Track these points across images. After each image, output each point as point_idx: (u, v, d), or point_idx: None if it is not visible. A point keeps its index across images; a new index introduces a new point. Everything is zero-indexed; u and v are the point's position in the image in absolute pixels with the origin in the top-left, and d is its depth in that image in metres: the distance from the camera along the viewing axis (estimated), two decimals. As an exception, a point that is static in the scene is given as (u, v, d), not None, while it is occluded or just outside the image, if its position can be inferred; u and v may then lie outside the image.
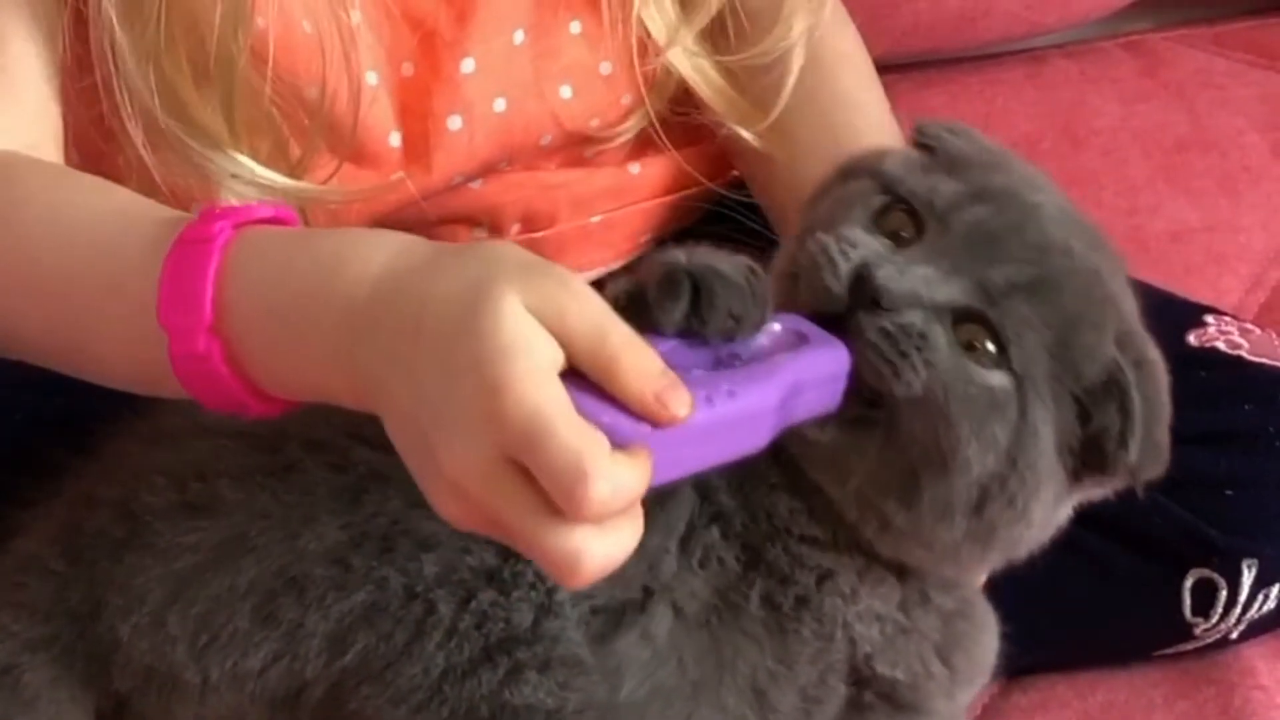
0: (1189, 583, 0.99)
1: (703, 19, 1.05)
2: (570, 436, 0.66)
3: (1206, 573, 0.99)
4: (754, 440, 0.74)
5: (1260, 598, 1.00)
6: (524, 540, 0.69)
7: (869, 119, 1.09)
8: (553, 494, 0.67)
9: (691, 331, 0.74)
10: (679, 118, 1.10)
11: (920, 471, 0.79)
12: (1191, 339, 1.06)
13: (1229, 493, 0.98)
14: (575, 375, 0.69)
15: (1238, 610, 1.00)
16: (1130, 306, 0.83)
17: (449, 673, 0.82)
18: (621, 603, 0.84)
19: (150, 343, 0.79)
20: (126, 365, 0.84)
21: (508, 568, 0.83)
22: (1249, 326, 1.09)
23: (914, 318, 0.78)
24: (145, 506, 0.86)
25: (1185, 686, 1.05)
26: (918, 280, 0.79)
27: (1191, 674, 1.06)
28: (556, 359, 0.68)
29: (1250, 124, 1.51)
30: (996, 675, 1.04)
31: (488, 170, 1.07)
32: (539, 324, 0.68)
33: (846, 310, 0.78)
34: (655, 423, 0.69)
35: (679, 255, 0.76)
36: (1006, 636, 0.88)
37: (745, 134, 1.06)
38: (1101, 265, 0.82)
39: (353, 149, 1.02)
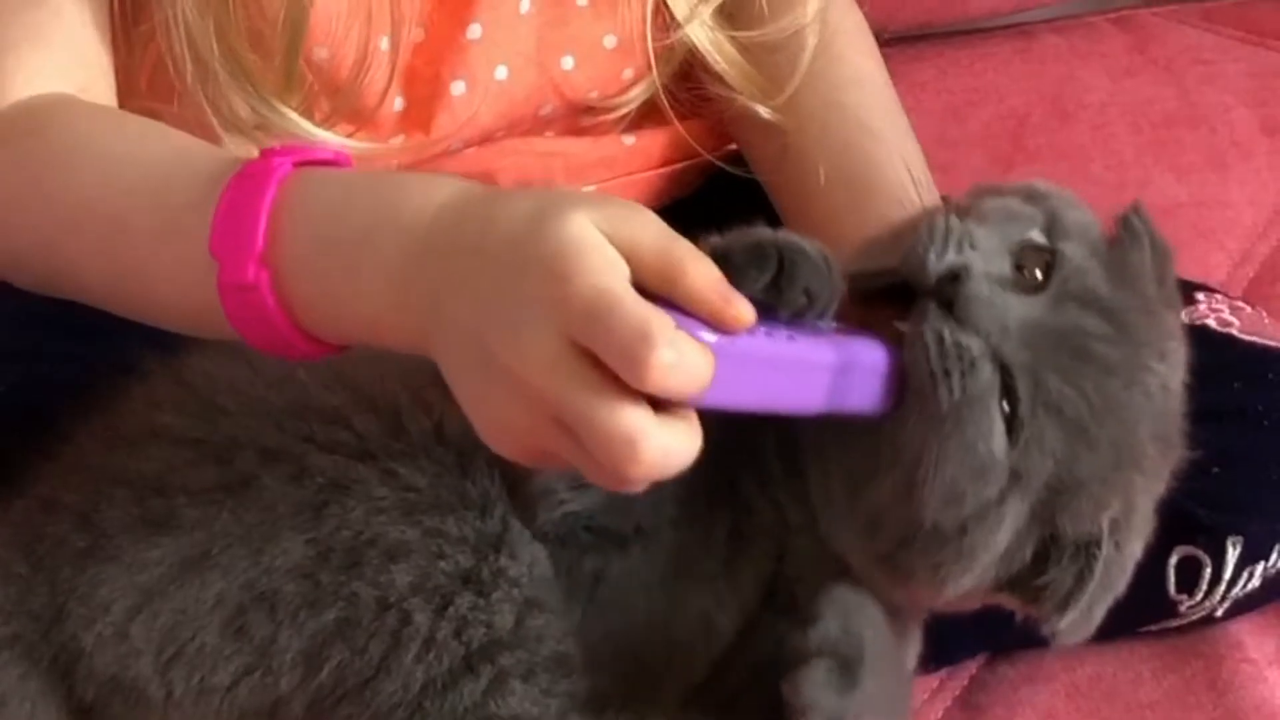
0: (1173, 560, 0.99)
1: None
2: (636, 308, 0.68)
3: (1191, 550, 0.99)
4: (806, 397, 0.75)
5: (1245, 575, 1.00)
6: (585, 424, 0.69)
7: (875, 96, 1.10)
8: (617, 364, 0.68)
9: (761, 303, 0.74)
10: (684, 92, 1.10)
11: (881, 480, 0.80)
12: (1182, 316, 1.06)
13: (1215, 470, 0.97)
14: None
15: (1222, 588, 1.00)
16: (1149, 498, 0.83)
17: (429, 686, 0.81)
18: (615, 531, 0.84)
19: (203, 278, 0.79)
20: (180, 303, 0.85)
21: (486, 566, 0.81)
22: (1239, 304, 1.09)
23: (974, 343, 0.77)
24: (106, 519, 0.85)
25: (1173, 660, 1.06)
26: (1004, 316, 0.78)
27: (1179, 648, 1.06)
28: (621, 261, 0.70)
29: (1239, 100, 1.51)
30: (979, 651, 1.06)
31: (486, 138, 1.08)
32: (604, 236, 0.70)
33: (923, 292, 0.78)
34: (719, 322, 0.70)
35: (765, 229, 0.77)
36: (993, 611, 0.89)
37: (760, 109, 1.07)
38: (1148, 455, 0.81)
39: (353, 111, 1.02)
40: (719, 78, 1.07)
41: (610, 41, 1.07)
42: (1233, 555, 0.99)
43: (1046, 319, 0.79)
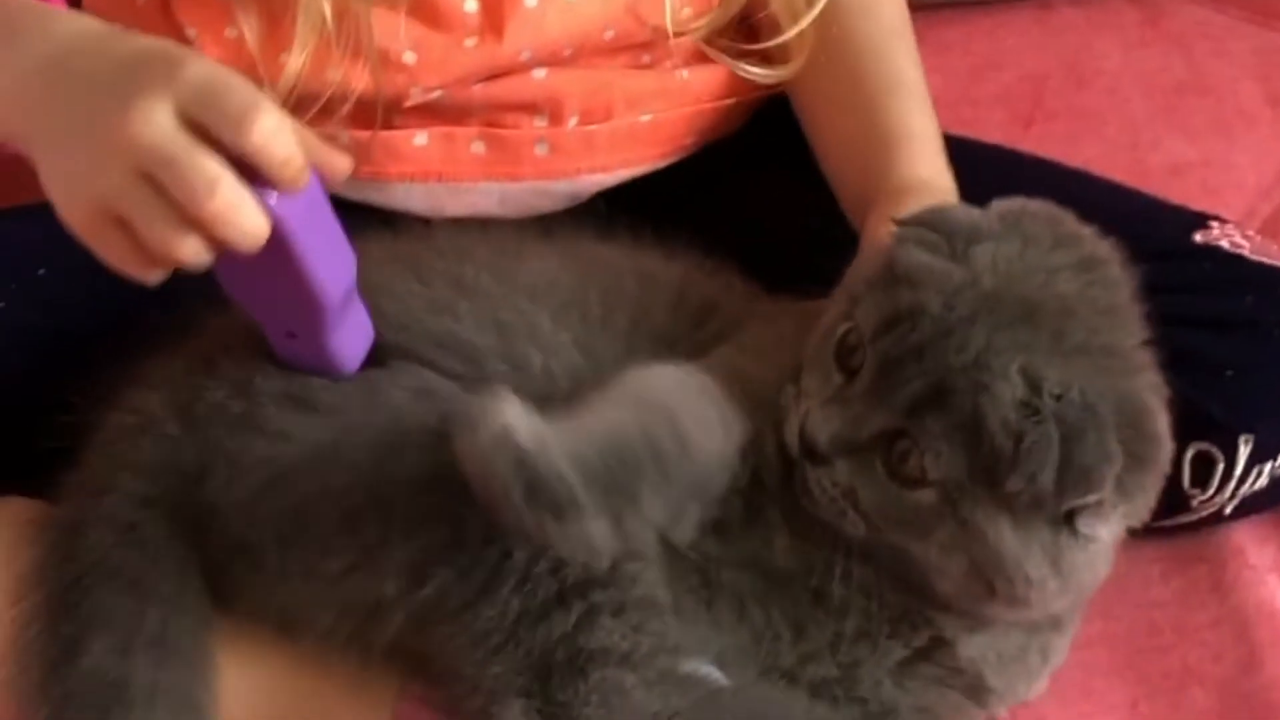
0: (1188, 455, 1.05)
1: None
2: (245, 89, 0.83)
3: (1205, 446, 1.05)
4: (339, 275, 0.89)
5: (1254, 473, 1.06)
6: (175, 163, 0.82)
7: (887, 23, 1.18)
8: (222, 124, 0.83)
9: None
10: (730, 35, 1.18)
11: (910, 578, 0.89)
12: (1197, 237, 1.13)
13: (1229, 373, 1.05)
14: None
15: (1233, 484, 1.07)
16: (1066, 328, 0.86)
17: (524, 616, 0.87)
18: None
19: None
20: None
21: None
22: (1250, 233, 1.16)
23: (841, 470, 0.87)
24: (260, 390, 0.92)
25: (1180, 563, 1.13)
26: (845, 423, 0.87)
27: (1186, 552, 1.14)
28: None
29: (1245, 73, 1.59)
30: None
31: (552, 57, 1.15)
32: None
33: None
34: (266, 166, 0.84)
35: None
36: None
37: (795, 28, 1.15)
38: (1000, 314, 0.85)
39: (430, 8, 1.10)
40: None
41: None
42: (1244, 452, 1.05)
43: (872, 374, 0.87)
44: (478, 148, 1.17)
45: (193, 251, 0.85)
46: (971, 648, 0.93)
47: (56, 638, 0.90)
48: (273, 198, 0.84)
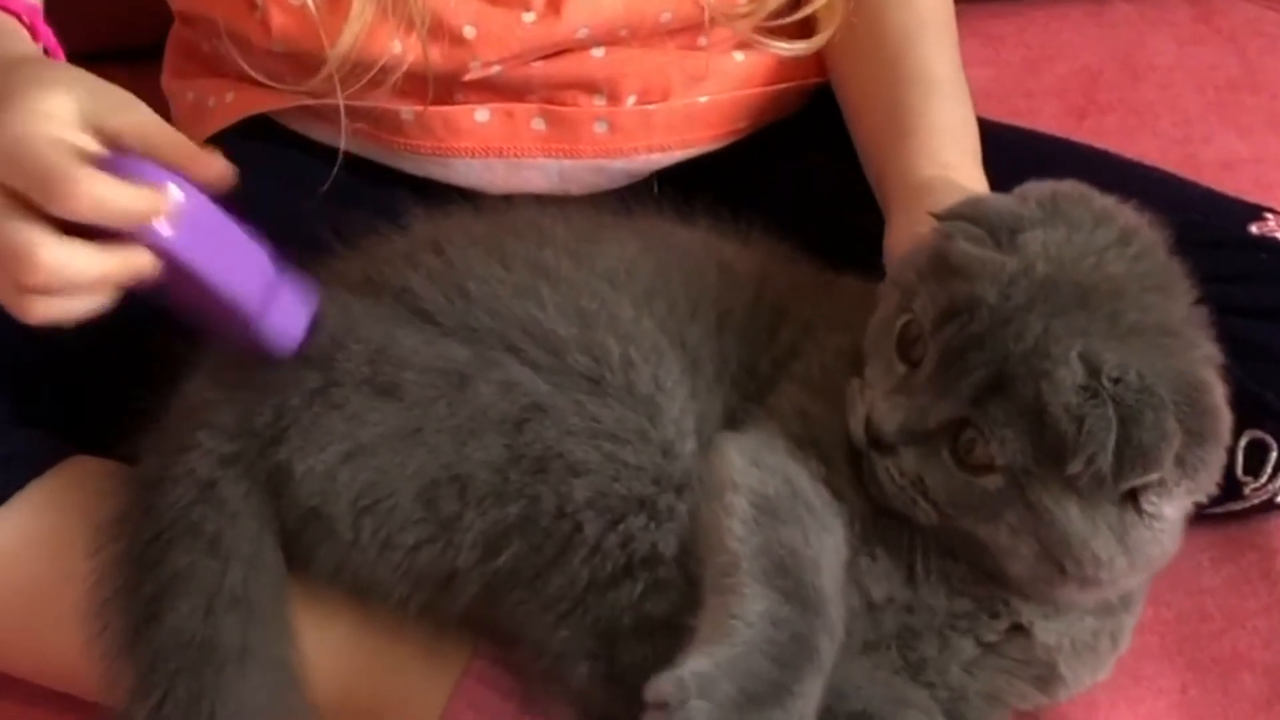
0: (1242, 443, 1.05)
1: None
2: (49, 150, 0.83)
3: (1258, 434, 1.06)
4: (246, 282, 0.89)
5: (1307, 461, 1.07)
6: None
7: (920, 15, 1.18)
8: (28, 189, 0.83)
9: None
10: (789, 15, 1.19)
11: (985, 564, 0.90)
12: (1253, 229, 1.14)
13: (1285, 362, 1.06)
14: None
15: None
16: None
17: (593, 585, 0.89)
18: None
19: None
20: None
21: (663, 499, 0.90)
22: (1305, 226, 1.17)
23: (908, 458, 0.88)
24: (340, 369, 0.93)
25: (1230, 551, 1.14)
26: (911, 413, 0.89)
27: (1236, 541, 1.14)
28: (74, 131, 0.84)
29: (1297, 71, 1.59)
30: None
31: (609, 36, 1.16)
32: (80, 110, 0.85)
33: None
34: (190, 170, 0.86)
35: None
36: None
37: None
38: (1055, 300, 0.86)
39: None
40: None
41: None
42: None
43: (936, 364, 0.88)
44: (538, 124, 1.18)
45: (45, 313, 0.86)
46: (1049, 634, 0.94)
47: (139, 597, 0.92)
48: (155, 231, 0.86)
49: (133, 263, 0.85)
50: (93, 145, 0.86)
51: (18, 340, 1.04)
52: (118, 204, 0.84)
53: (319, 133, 1.20)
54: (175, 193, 0.86)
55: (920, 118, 1.11)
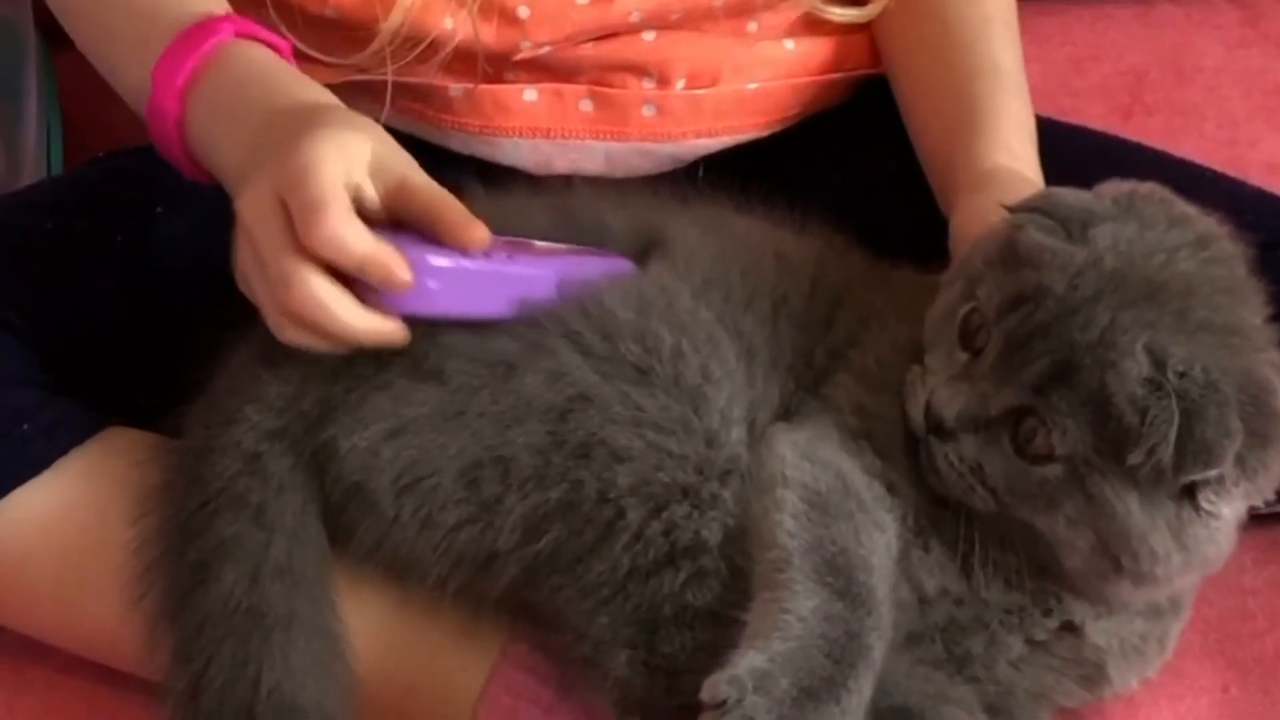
0: None
1: None
2: (327, 181, 0.87)
3: None
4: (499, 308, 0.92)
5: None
6: (261, 255, 0.89)
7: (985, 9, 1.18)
8: (295, 217, 0.87)
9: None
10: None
11: (1040, 557, 0.89)
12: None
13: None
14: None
15: None
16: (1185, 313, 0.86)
17: (634, 572, 0.89)
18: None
19: (147, 85, 0.99)
20: (134, 100, 1.02)
21: (707, 488, 0.90)
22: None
23: (968, 445, 0.88)
24: (389, 354, 0.92)
25: (1274, 552, 1.13)
26: (972, 399, 0.88)
27: (1279, 540, 1.13)
28: (350, 167, 0.89)
29: (1345, 77, 1.59)
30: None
31: (661, 20, 1.15)
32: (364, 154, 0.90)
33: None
34: (454, 239, 0.89)
35: None
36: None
37: None
38: (1126, 296, 0.86)
39: None
40: None
41: None
42: None
43: (997, 352, 0.88)
44: (586, 106, 1.17)
45: (295, 339, 0.90)
46: (1099, 635, 0.93)
47: (183, 564, 0.92)
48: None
49: (383, 333, 0.90)
50: (371, 192, 0.90)
51: (60, 316, 1.05)
52: (354, 250, 0.87)
53: (364, 108, 1.19)
54: (427, 264, 0.89)
55: (989, 109, 1.11)
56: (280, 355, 0.93)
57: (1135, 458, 0.84)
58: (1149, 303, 0.86)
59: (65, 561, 1.00)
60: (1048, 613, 0.92)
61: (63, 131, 1.46)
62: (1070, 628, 0.93)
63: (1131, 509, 0.85)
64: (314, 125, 0.90)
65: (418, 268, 0.88)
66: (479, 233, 0.89)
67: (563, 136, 1.18)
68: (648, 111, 1.18)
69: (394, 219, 0.91)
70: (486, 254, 0.91)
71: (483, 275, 0.91)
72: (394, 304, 0.89)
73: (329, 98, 0.98)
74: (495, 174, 1.17)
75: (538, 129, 1.17)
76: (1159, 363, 0.84)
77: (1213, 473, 0.85)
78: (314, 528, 0.93)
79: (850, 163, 1.23)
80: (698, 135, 1.20)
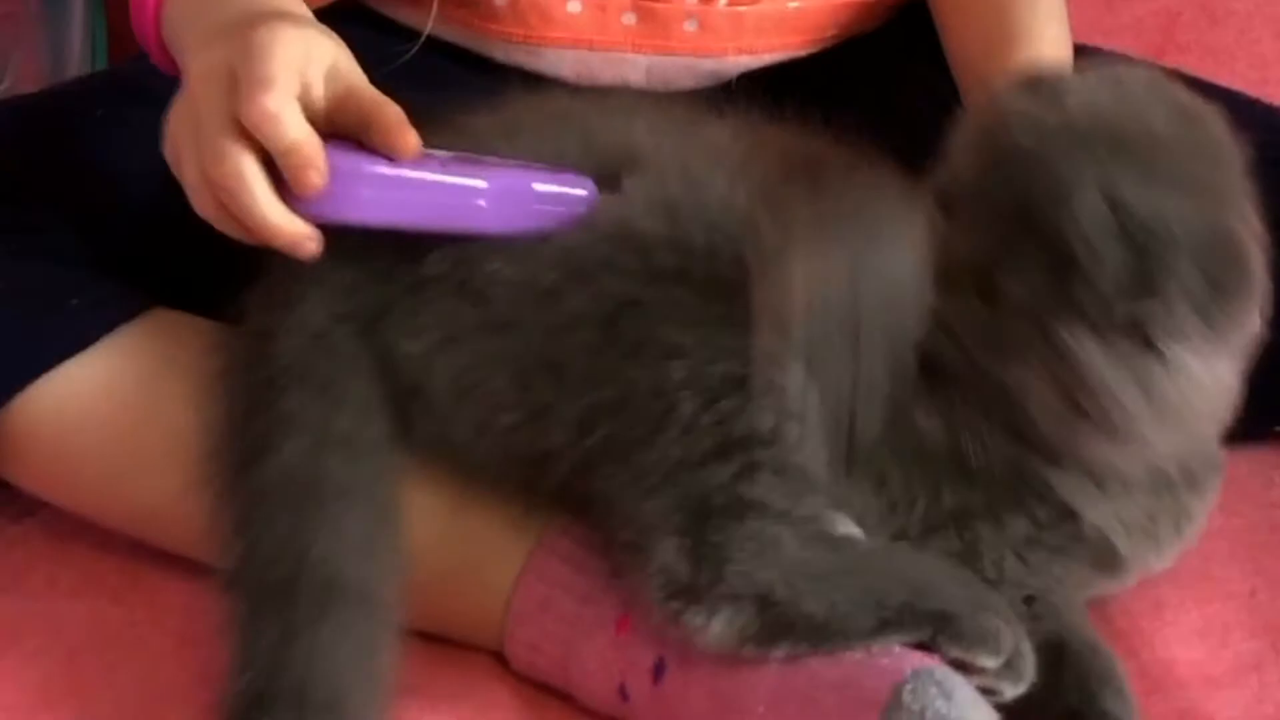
0: None
1: None
2: (280, 66, 0.88)
3: None
4: (470, 217, 0.92)
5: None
6: (201, 119, 0.89)
7: None
8: (242, 87, 0.88)
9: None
10: None
11: (1021, 425, 0.92)
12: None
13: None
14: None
15: None
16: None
17: (684, 461, 0.89)
18: None
19: None
20: None
21: (758, 376, 0.90)
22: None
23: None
24: (431, 270, 0.94)
25: (1299, 467, 1.15)
26: (937, 251, 0.91)
27: (1304, 457, 1.15)
28: (299, 72, 0.90)
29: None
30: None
31: None
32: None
33: None
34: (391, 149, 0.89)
35: None
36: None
37: None
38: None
39: None
40: None
41: None
42: None
43: None
44: (629, 19, 1.19)
45: (204, 209, 0.91)
46: (1096, 514, 0.94)
47: (246, 438, 0.92)
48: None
49: (296, 234, 0.90)
50: (320, 92, 0.91)
51: (107, 201, 1.06)
52: (285, 132, 0.87)
53: (407, 16, 1.21)
54: (358, 169, 0.89)
55: (1027, 30, 1.12)
56: (339, 248, 0.94)
57: (1081, 292, 0.87)
58: (1114, 156, 0.89)
59: (109, 437, 1.01)
60: (1041, 497, 0.93)
61: (107, 38, 1.47)
62: (1068, 513, 0.94)
63: (1093, 355, 0.88)
64: (284, 22, 0.92)
65: (346, 173, 0.89)
66: (410, 139, 0.90)
67: (605, 49, 1.19)
68: (690, 26, 1.19)
69: (335, 129, 0.91)
70: (421, 164, 0.91)
71: (414, 184, 0.91)
72: (323, 210, 0.89)
73: (306, 11, 0.99)
74: (537, 85, 1.18)
75: (580, 40, 1.19)
76: (1114, 207, 0.87)
77: (1154, 304, 0.87)
78: (381, 402, 0.94)
79: (891, 81, 1.25)
80: (739, 52, 1.21)
